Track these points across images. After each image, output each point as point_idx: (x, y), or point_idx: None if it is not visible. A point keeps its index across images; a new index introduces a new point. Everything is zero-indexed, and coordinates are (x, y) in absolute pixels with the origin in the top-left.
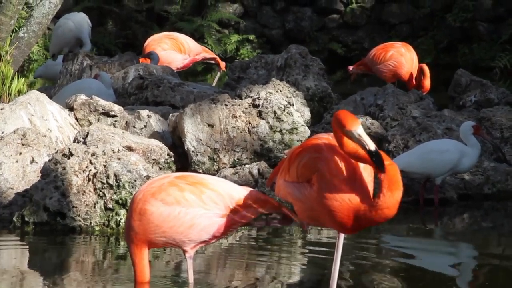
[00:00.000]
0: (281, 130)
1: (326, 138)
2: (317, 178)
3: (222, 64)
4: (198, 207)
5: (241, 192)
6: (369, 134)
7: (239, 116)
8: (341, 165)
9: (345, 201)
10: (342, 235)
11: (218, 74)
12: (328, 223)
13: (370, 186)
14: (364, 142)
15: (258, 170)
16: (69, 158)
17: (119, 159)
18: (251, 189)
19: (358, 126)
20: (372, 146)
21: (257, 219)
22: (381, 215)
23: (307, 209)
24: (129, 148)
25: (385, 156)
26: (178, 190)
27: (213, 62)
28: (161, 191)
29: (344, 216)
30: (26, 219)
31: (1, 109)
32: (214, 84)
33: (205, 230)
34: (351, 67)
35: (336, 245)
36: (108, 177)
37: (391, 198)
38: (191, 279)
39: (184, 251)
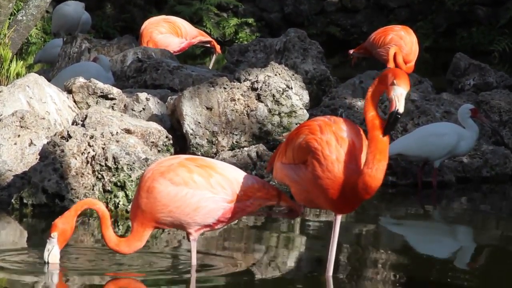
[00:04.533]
0: (279, 113)
1: (322, 120)
2: (311, 158)
3: (218, 47)
4: (205, 190)
5: (250, 180)
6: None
7: (238, 99)
8: (335, 145)
9: (337, 179)
10: (339, 217)
11: (214, 57)
12: (323, 203)
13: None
14: (398, 102)
15: (257, 152)
16: (67, 141)
17: (117, 141)
18: (262, 180)
19: (406, 87)
20: (401, 109)
21: (262, 209)
22: (367, 183)
23: (302, 191)
24: (128, 131)
25: (380, 126)
26: (187, 171)
27: (208, 45)
28: (170, 171)
29: (336, 192)
30: (25, 201)
31: (0, 92)
32: (211, 67)
33: (210, 214)
34: (351, 51)
35: (333, 227)
36: (106, 159)
37: (379, 165)
38: (194, 261)
39: (189, 233)
